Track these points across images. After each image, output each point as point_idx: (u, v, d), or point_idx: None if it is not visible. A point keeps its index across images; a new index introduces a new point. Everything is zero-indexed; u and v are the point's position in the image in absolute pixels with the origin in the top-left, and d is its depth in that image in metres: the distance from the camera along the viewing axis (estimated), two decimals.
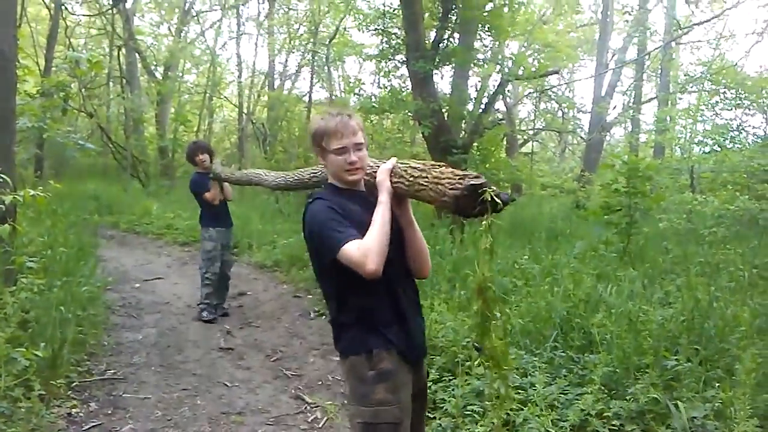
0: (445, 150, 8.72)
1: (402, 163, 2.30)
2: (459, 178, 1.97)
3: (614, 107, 19.19)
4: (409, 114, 8.80)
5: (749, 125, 15.05)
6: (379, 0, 11.18)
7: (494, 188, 1.96)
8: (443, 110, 9.00)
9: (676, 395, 3.61)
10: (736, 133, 14.03)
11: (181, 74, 22.63)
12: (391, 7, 9.84)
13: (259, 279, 8.34)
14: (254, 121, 19.70)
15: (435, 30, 8.91)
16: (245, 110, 21.30)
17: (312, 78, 19.96)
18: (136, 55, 20.30)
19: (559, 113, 23.42)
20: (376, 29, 9.85)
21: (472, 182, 1.93)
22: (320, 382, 4.85)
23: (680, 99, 18.69)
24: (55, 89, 7.15)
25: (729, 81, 14.22)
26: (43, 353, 3.82)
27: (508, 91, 12.63)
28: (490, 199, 1.92)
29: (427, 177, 2.11)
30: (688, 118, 17.14)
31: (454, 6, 8.67)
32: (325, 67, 18.64)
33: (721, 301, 4.48)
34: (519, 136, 20.50)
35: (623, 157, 6.58)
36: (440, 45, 8.82)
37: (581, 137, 22.22)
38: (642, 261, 6.15)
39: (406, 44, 9.02)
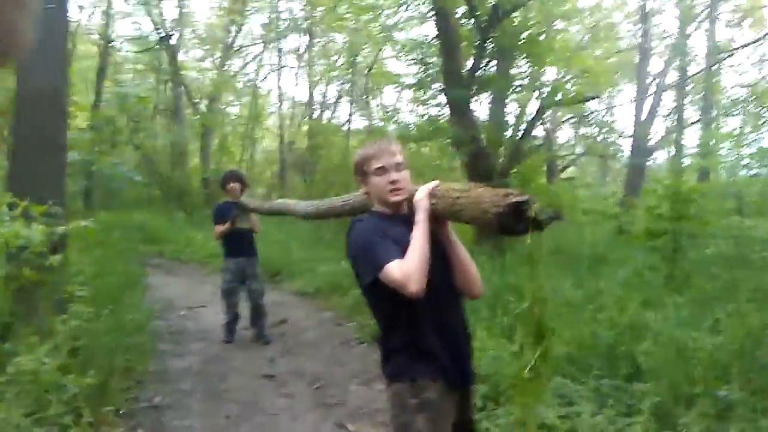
0: (484, 176, 8.70)
1: (442, 185, 2.31)
2: (502, 196, 1.97)
3: (656, 132, 19.02)
4: (448, 141, 8.83)
5: None
6: (416, 30, 11.33)
7: (539, 206, 1.94)
8: (482, 137, 9.01)
9: (730, 426, 3.51)
10: None
11: (224, 107, 23.22)
12: (428, 37, 9.98)
13: (300, 306, 8.40)
14: (297, 150, 19.99)
15: (472, 58, 8.96)
16: (286, 140, 21.66)
17: (350, 107, 20.29)
18: (181, 88, 20.94)
19: (600, 138, 23.22)
20: (413, 59, 9.99)
21: (515, 200, 1.92)
22: (362, 411, 4.83)
23: (725, 122, 18.41)
24: (105, 123, 7.38)
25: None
26: (92, 381, 3.92)
27: (547, 116, 12.60)
28: (533, 216, 1.90)
29: (467, 196, 2.12)
30: (732, 141, 16.82)
31: (491, 35, 8.72)
32: (363, 96, 18.86)
33: None
34: (559, 162, 20.34)
35: (665, 181, 6.47)
36: (477, 73, 8.87)
37: (622, 162, 21.97)
38: (688, 287, 6.01)
39: (444, 73, 9.10)
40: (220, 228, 6.43)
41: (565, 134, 24.57)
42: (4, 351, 3.93)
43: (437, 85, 9.62)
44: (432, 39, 9.73)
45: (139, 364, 5.29)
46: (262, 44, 23.07)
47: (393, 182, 2.37)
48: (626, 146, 21.03)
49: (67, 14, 5.48)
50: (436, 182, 2.36)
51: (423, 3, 10.19)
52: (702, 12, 18.00)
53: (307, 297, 8.85)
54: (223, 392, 5.13)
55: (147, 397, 4.84)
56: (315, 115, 22.27)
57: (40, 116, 4.82)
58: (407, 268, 2.15)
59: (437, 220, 2.31)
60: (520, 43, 8.63)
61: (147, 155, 17.31)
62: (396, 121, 11.74)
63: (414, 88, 10.70)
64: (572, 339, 4.78)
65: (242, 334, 6.84)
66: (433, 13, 8.98)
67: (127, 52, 20.35)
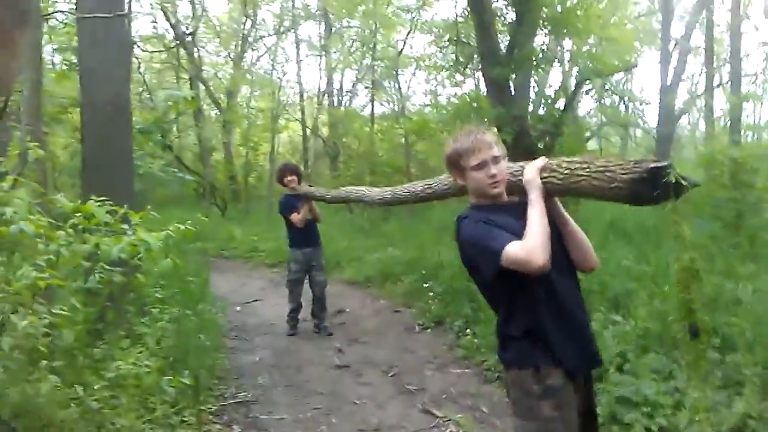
0: (527, 154, 8.65)
1: (554, 159, 2.31)
2: (634, 164, 1.92)
3: (682, 97, 18.74)
4: (490, 121, 8.76)
5: None
6: (443, 13, 11.22)
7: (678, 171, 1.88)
8: (524, 115, 8.94)
9: None
10: None
11: (243, 101, 23.18)
12: (463, 16, 9.88)
13: (353, 296, 8.43)
14: (324, 139, 19.97)
15: (509, 35, 8.89)
16: (309, 129, 21.64)
17: (371, 93, 20.19)
18: (200, 85, 20.96)
19: (621, 107, 22.94)
20: (448, 40, 9.91)
21: (653, 165, 1.86)
22: (444, 396, 4.85)
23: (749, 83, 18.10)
24: (154, 126, 7.41)
25: None
26: (189, 381, 3.98)
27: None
28: (674, 181, 1.84)
29: (588, 167, 2.08)
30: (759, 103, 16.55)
31: (525, 10, 8.62)
32: (387, 82, 18.79)
33: None
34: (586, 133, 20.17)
35: (727, 151, 6.40)
36: (515, 50, 8.79)
37: (648, 130, 21.73)
38: (756, 255, 5.95)
39: (480, 52, 9.02)
40: (297, 216, 6.46)
41: (586, 105, 24.31)
42: (99, 356, 3.98)
43: (474, 65, 9.56)
44: (465, 18, 9.67)
45: (218, 362, 5.35)
46: (277, 34, 22.98)
47: (492, 176, 2.33)
48: (650, 113, 20.79)
49: (130, 26, 5.49)
50: (543, 158, 2.35)
51: None
52: None
53: (358, 286, 8.88)
54: (303, 384, 5.18)
55: (231, 393, 4.91)
56: (336, 103, 22.21)
57: (106, 124, 4.87)
58: (529, 245, 2.13)
59: (547, 197, 2.28)
60: (557, 16, 8.53)
61: (177, 154, 17.41)
62: (432, 104, 11.60)
63: (449, 71, 10.65)
64: (651, 315, 4.76)
65: (304, 326, 6.90)
66: None
67: (148, 51, 20.31)
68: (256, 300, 8.44)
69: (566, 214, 2.41)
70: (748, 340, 4.05)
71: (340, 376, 5.38)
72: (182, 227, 3.31)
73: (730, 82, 17.45)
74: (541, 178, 2.26)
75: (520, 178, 2.35)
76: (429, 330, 6.61)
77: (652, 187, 1.87)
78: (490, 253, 2.21)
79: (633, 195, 1.92)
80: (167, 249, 3.37)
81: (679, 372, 3.88)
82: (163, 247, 3.18)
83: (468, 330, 6.02)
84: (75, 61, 9.21)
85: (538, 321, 2.30)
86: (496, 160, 2.33)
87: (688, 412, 3.41)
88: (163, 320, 4.78)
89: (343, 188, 6.27)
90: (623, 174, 1.91)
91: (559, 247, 2.34)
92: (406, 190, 4.14)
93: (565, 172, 2.16)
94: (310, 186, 6.81)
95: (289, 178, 6.62)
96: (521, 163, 2.44)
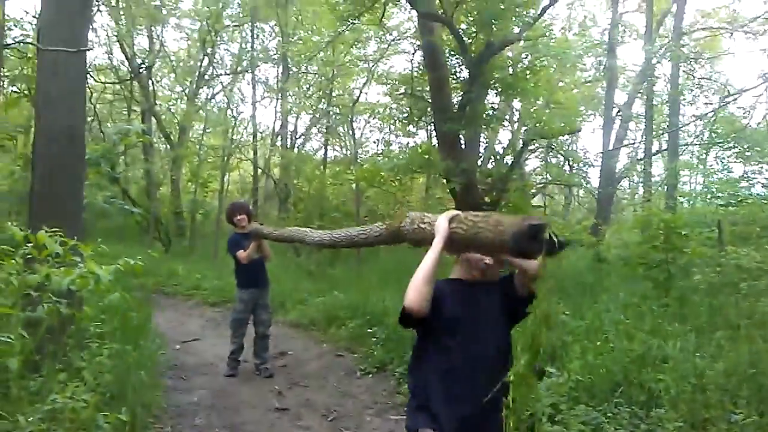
0: (473, 207, 8.93)
1: (461, 213, 2.48)
2: (521, 219, 2.09)
3: (622, 161, 19.59)
4: (439, 175, 9.02)
5: (756, 179, 15.40)
6: (400, 65, 11.59)
7: (553, 230, 2.11)
8: (472, 169, 9.25)
9: None
10: (747, 185, 14.36)
11: (196, 137, 23.04)
12: (417, 71, 10.24)
13: (297, 338, 8.42)
14: (276, 180, 19.97)
15: (462, 93, 9.25)
16: (261, 168, 21.63)
17: (325, 137, 20.46)
18: (152, 119, 20.82)
19: (566, 167, 23.76)
20: (403, 92, 10.23)
21: (533, 222, 2.05)
22: None
23: (685, 152, 19.12)
24: (103, 159, 7.38)
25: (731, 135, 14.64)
26: (126, 417, 3.94)
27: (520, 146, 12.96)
28: (548, 237, 2.06)
29: (487, 220, 2.25)
30: (695, 172, 17.47)
31: (478, 70, 9.02)
32: (341, 128, 19.07)
33: None
34: (531, 190, 20.78)
35: (663, 215, 6.78)
36: (467, 107, 9.14)
37: (590, 191, 22.53)
38: (684, 315, 6.27)
39: (433, 106, 9.35)
40: (243, 254, 6.43)
41: (532, 164, 25.10)
42: (35, 388, 3.91)
43: (427, 119, 9.88)
44: (420, 73, 10.02)
45: (155, 400, 5.27)
46: (234, 74, 23.10)
47: (486, 264, 2.55)
48: (593, 175, 21.61)
49: (86, 56, 5.54)
50: (454, 211, 2.52)
51: (410, 38, 10.45)
52: (664, 47, 18.76)
53: (302, 329, 8.87)
54: (240, 426, 5.14)
55: None
56: (289, 145, 22.33)
57: (60, 154, 4.86)
58: (408, 288, 2.34)
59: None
60: (508, 79, 8.95)
61: (124, 187, 17.15)
62: (384, 152, 11.87)
63: (402, 122, 10.95)
64: (582, 369, 4.96)
65: (244, 366, 6.86)
66: (422, 49, 9.25)
67: (102, 83, 20.11)
68: (195, 339, 8.33)
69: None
70: (672, 396, 4.27)
71: (278, 420, 5.36)
72: (132, 262, 3.33)
73: (667, 151, 18.38)
74: (450, 228, 2.41)
75: (433, 224, 2.53)
76: (371, 375, 6.66)
77: (532, 242, 2.05)
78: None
79: (516, 247, 2.07)
80: (114, 283, 3.38)
81: (606, 424, 4.05)
82: (112, 281, 3.19)
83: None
84: (23, 88, 9.17)
85: (427, 379, 2.49)
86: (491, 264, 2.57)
87: None
88: (102, 355, 4.71)
89: (288, 228, 6.29)
90: (510, 228, 2.08)
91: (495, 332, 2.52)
92: (343, 234, 4.21)
93: (469, 223, 2.33)
94: (259, 223, 6.78)
95: (239, 217, 6.64)
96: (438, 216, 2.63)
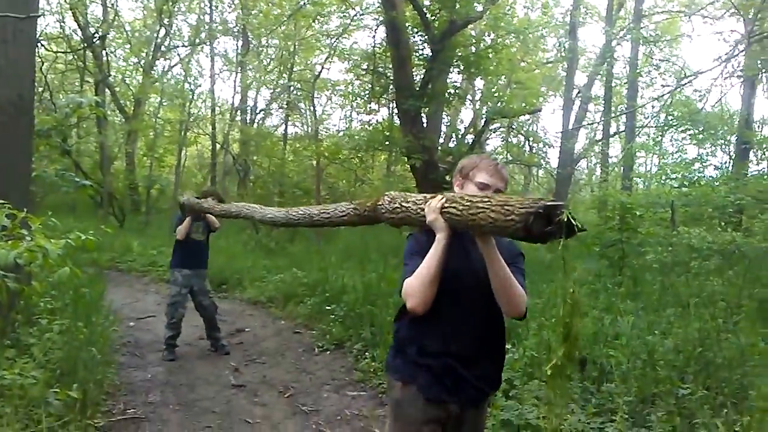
0: (434, 186, 8.95)
1: (457, 194, 2.31)
2: (532, 201, 1.92)
3: (580, 142, 19.90)
4: (402, 150, 9.00)
5: (709, 161, 15.85)
6: (363, 41, 11.48)
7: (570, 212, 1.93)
8: (433, 147, 9.26)
9: (692, 420, 3.83)
10: (700, 167, 14.76)
11: (151, 110, 22.53)
12: (380, 47, 10.16)
13: (254, 315, 8.36)
14: (234, 156, 19.66)
15: (424, 70, 9.22)
16: (220, 144, 21.28)
17: (285, 113, 20.21)
18: (106, 90, 20.25)
19: (526, 147, 24.06)
20: (365, 69, 10.15)
21: (549, 203, 1.89)
22: (339, 417, 4.91)
23: (642, 134, 19.49)
24: (54, 130, 7.13)
25: (687, 117, 15.00)
26: (76, 394, 3.85)
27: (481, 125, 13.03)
28: (566, 220, 1.86)
29: (488, 201, 2.07)
30: (651, 153, 17.87)
31: (441, 48, 8.99)
32: (302, 104, 18.85)
33: (732, 331, 4.74)
34: None
35: (620, 197, 6.91)
36: (429, 84, 9.12)
37: (549, 171, 22.86)
38: (636, 293, 6.42)
39: (395, 84, 9.30)
40: (179, 230, 6.23)
41: (493, 143, 25.33)
42: None
43: (389, 96, 9.83)
44: (383, 50, 9.94)
45: (108, 377, 5.17)
46: (192, 46, 22.58)
47: None
48: (552, 155, 21.90)
49: (36, 23, 5.32)
50: (441, 195, 2.35)
51: (373, 14, 10.36)
52: (624, 29, 19.01)
53: (260, 306, 8.81)
54: (196, 403, 5.08)
55: (120, 409, 4.76)
56: (248, 120, 22.01)
57: (7, 126, 4.68)
58: (408, 286, 2.26)
59: (484, 237, 2.21)
60: (470, 57, 8.94)
61: (76, 160, 16.68)
62: (345, 129, 11.80)
63: (364, 99, 10.88)
64: (537, 345, 5.04)
65: (199, 344, 6.80)
66: (385, 25, 9.17)
67: (54, 52, 19.39)
68: (150, 316, 8.18)
69: (497, 255, 2.24)
70: (623, 372, 4.37)
71: (234, 396, 5.32)
72: (83, 236, 3.24)
73: (625, 132, 18.72)
74: (443, 214, 2.25)
75: (422, 212, 2.36)
76: (328, 352, 6.66)
77: (545, 223, 1.89)
78: (401, 278, 2.34)
79: (526, 228, 1.90)
80: (65, 258, 3.27)
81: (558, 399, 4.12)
82: (62, 256, 3.09)
83: (367, 353, 6.14)
84: None
85: (408, 332, 2.43)
86: (497, 191, 2.37)
87: None
88: (53, 331, 4.59)
89: (236, 203, 5.87)
90: (521, 208, 1.92)
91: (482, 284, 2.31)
92: (301, 212, 4.00)
93: (466, 204, 2.16)
94: (197, 198, 6.30)
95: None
96: (425, 196, 2.45)
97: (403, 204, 2.56)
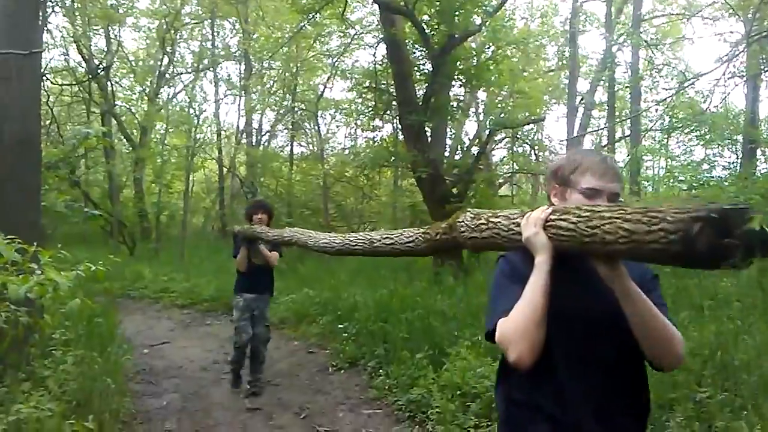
0: (440, 200, 8.97)
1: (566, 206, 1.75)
2: (695, 205, 1.28)
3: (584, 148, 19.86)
4: (408, 165, 9.03)
5: (716, 161, 15.79)
6: (363, 59, 11.58)
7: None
8: (439, 161, 9.29)
9: (710, 425, 3.79)
10: (708, 167, 14.71)
11: (158, 137, 22.70)
12: (381, 65, 10.23)
13: None
14: (242, 179, 19.76)
15: (426, 85, 9.26)
16: (227, 167, 21.42)
17: (290, 134, 20.32)
18: (112, 120, 20.46)
19: (532, 156, 24.04)
20: (367, 87, 10.22)
21: (726, 206, 1.25)
22: None
23: (647, 137, 19.48)
24: (62, 162, 7.21)
25: (692, 119, 14.97)
26: (92, 426, 3.86)
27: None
28: (759, 228, 1.23)
29: (618, 208, 1.47)
30: (658, 156, 17.81)
31: (442, 62, 9.04)
32: (307, 124, 18.98)
33: (748, 332, 4.70)
34: (497, 181, 20.98)
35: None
36: (431, 99, 9.16)
37: None
38: None
39: (398, 99, 9.35)
40: (237, 261, 6.08)
41: (499, 153, 25.32)
42: None
43: (392, 112, 9.88)
44: (385, 67, 10.01)
45: (123, 406, 5.18)
46: (195, 72, 22.80)
47: None
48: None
49: (40, 59, 5.40)
50: (544, 206, 1.79)
51: (373, 32, 10.44)
52: (624, 34, 19.04)
53: (273, 327, 8.74)
54: (211, 428, 5.08)
55: None
56: (254, 143, 22.15)
57: (15, 161, 4.73)
58: (505, 330, 1.69)
59: (612, 263, 1.61)
60: (471, 70, 8.99)
61: (85, 190, 16.82)
62: (351, 147, 11.87)
63: (368, 116, 10.95)
64: None
65: (215, 368, 6.80)
66: (385, 43, 9.24)
67: (59, 84, 19.64)
68: (164, 342, 8.20)
69: (632, 288, 1.63)
70: None
71: (250, 420, 5.31)
72: (93, 267, 3.26)
73: (630, 137, 18.71)
74: (547, 232, 1.70)
75: (517, 227, 1.84)
76: (342, 371, 6.65)
77: (717, 236, 1.23)
78: (489, 314, 1.84)
79: (687, 243, 1.25)
80: (75, 289, 3.30)
81: None
82: (72, 287, 3.12)
83: (381, 371, 6.11)
84: None
85: (526, 394, 1.84)
86: (613, 197, 1.78)
87: None
88: (67, 362, 4.61)
89: (288, 229, 5.62)
90: (676, 213, 1.29)
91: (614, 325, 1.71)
92: (360, 238, 3.61)
93: (585, 214, 1.57)
94: (252, 225, 5.99)
95: (260, 216, 6.01)
96: (522, 210, 1.93)
97: (491, 219, 2.03)
